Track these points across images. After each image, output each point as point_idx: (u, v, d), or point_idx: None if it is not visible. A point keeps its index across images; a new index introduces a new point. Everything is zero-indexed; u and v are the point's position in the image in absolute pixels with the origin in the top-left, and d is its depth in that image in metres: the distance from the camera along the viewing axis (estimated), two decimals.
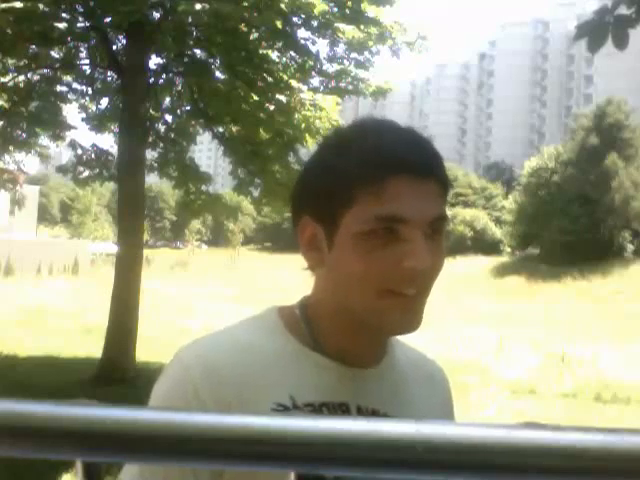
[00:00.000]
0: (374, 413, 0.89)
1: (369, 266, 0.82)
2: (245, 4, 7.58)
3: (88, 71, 10.10)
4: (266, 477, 0.69)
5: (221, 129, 10.36)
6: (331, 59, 9.17)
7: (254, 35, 8.55)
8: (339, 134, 0.92)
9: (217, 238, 79.16)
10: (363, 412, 0.89)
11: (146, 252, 13.34)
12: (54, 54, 9.75)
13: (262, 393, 0.83)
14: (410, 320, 0.84)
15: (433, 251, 0.83)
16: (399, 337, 1.00)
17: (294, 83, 8.78)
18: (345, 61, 9.18)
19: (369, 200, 0.81)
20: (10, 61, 9.37)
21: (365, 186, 0.82)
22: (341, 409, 0.87)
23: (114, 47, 9.19)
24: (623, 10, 3.65)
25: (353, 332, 0.89)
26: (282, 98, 8.73)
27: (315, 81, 9.50)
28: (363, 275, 0.82)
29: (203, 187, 10.76)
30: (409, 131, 0.88)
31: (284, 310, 0.95)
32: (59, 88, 10.40)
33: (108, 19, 8.32)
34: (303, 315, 0.92)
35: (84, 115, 10.65)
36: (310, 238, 0.89)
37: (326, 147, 0.91)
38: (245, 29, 8.26)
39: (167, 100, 10.57)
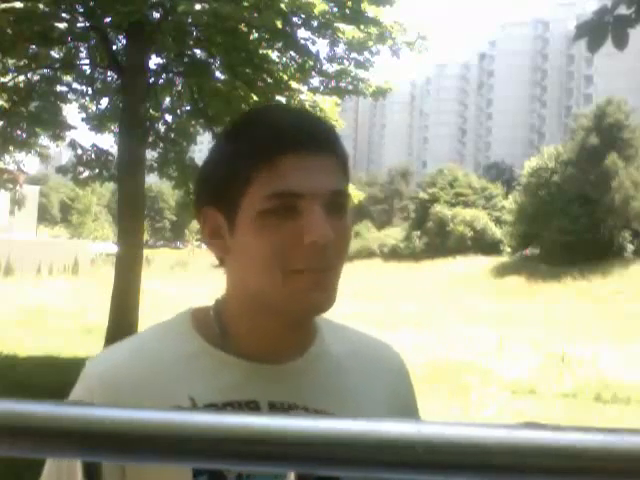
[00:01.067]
0: (291, 408, 0.87)
1: (272, 246, 0.81)
2: (245, 4, 7.58)
3: (88, 71, 10.11)
4: (170, 473, 0.68)
5: (221, 129, 10.36)
6: (331, 59, 9.17)
7: (254, 35, 8.56)
8: (231, 124, 0.92)
9: None
10: (277, 408, 0.86)
11: (146, 252, 13.35)
12: (54, 54, 9.75)
13: (161, 398, 0.82)
14: (320, 298, 0.82)
15: (335, 226, 0.82)
16: (345, 324, 1.01)
17: (294, 84, 8.78)
18: (345, 61, 9.18)
19: (264, 180, 0.81)
20: (10, 61, 9.38)
21: (258, 166, 0.81)
22: (249, 407, 0.85)
23: (114, 47, 9.19)
24: (623, 10, 3.65)
25: (265, 325, 0.87)
26: (282, 99, 8.73)
27: (315, 81, 9.51)
28: (267, 256, 0.81)
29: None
30: (299, 111, 0.90)
31: (199, 311, 0.92)
32: (59, 88, 10.41)
33: (108, 19, 8.32)
34: (216, 314, 0.90)
35: (84, 115, 10.65)
36: (213, 228, 0.87)
37: (219, 138, 0.93)
38: (245, 29, 8.26)
39: (167, 100, 10.58)
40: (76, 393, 0.86)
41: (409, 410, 1.00)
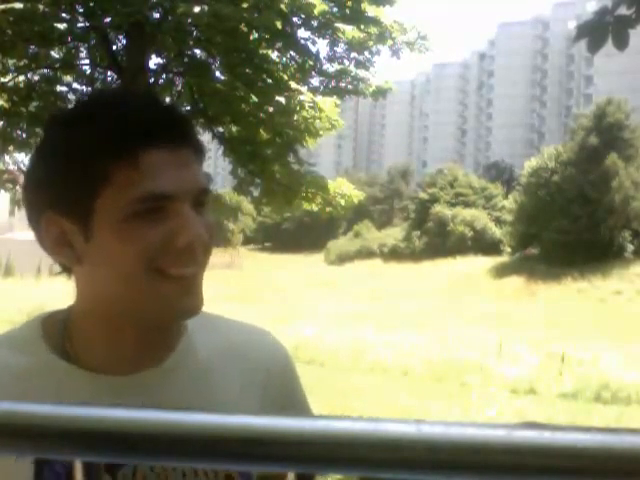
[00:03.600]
0: None
1: (140, 252, 0.73)
2: (245, 5, 7.58)
3: (88, 71, 10.11)
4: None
5: (221, 129, 10.36)
6: (331, 59, 9.17)
7: (254, 35, 8.55)
8: (68, 111, 0.80)
9: (217, 238, 79.03)
10: None
11: None
12: (54, 54, 9.75)
13: None
14: (193, 302, 0.77)
15: (206, 226, 0.77)
16: (221, 315, 0.95)
17: (294, 84, 8.78)
18: (345, 61, 9.18)
19: (124, 179, 0.72)
20: (10, 61, 9.38)
21: (116, 163, 0.71)
22: None
23: (114, 47, 9.19)
24: (623, 10, 3.65)
25: (119, 334, 0.80)
26: (282, 100, 8.73)
27: (315, 81, 9.51)
28: (134, 262, 0.73)
29: None
30: (149, 96, 0.80)
31: (50, 318, 0.84)
32: (59, 88, 10.40)
33: (108, 19, 8.32)
34: (64, 322, 0.82)
35: None
36: (58, 236, 0.76)
37: (55, 128, 0.78)
38: (245, 29, 8.26)
39: (167, 100, 10.58)
40: None
41: (289, 403, 0.93)
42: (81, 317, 0.81)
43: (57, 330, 0.82)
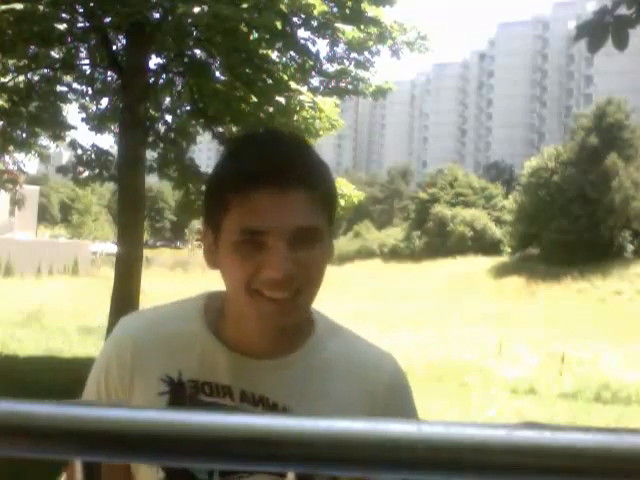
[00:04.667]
0: (261, 400, 0.97)
1: (241, 274, 0.90)
2: (245, 5, 7.58)
3: (88, 71, 10.10)
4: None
5: (221, 129, 10.36)
6: (331, 59, 9.17)
7: (254, 35, 8.55)
8: (229, 146, 1.04)
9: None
10: (247, 397, 0.97)
11: (146, 252, 13.34)
12: (54, 54, 9.75)
13: (157, 364, 0.98)
14: (281, 320, 0.92)
15: (301, 258, 0.90)
16: (352, 331, 1.09)
17: (294, 84, 8.77)
18: (345, 61, 9.18)
19: (236, 212, 0.90)
20: (10, 61, 9.37)
21: (234, 199, 0.90)
22: (223, 391, 0.97)
23: (114, 47, 9.19)
24: (623, 10, 3.65)
25: (243, 325, 0.97)
26: (282, 100, 8.73)
27: (315, 81, 9.51)
28: (237, 280, 0.91)
29: (203, 187, 10.75)
30: (281, 143, 0.96)
31: (213, 296, 1.05)
32: (59, 88, 10.40)
33: (108, 19, 8.32)
34: (222, 303, 1.01)
35: (84, 115, 10.65)
36: (207, 243, 0.98)
37: (220, 158, 1.01)
38: (245, 29, 8.26)
39: (167, 100, 10.57)
40: (110, 342, 1.05)
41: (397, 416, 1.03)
42: (227, 304, 1.01)
43: (215, 308, 1.02)
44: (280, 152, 0.93)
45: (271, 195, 0.89)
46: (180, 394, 0.98)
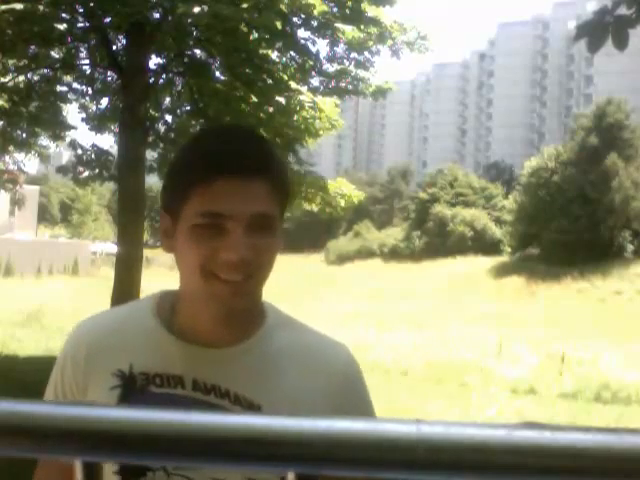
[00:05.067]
0: (213, 388, 0.99)
1: (198, 256, 0.94)
2: (245, 5, 7.57)
3: (88, 71, 10.10)
4: None
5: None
6: (331, 59, 9.16)
7: (254, 35, 8.54)
8: (190, 139, 1.06)
9: None
10: (199, 386, 0.98)
11: (146, 252, 13.34)
12: (54, 54, 9.74)
13: (110, 360, 1.02)
14: (236, 303, 0.95)
15: (257, 244, 0.94)
16: (304, 323, 1.10)
17: (294, 84, 8.77)
18: (345, 61, 9.17)
19: (198, 198, 0.94)
20: (10, 61, 9.36)
21: (195, 186, 0.94)
22: (174, 381, 0.99)
23: (114, 47, 9.18)
24: (623, 10, 3.64)
25: (198, 314, 1.00)
26: (282, 100, 8.72)
27: (315, 81, 9.50)
28: (194, 264, 0.94)
29: None
30: (243, 135, 1.01)
31: (166, 294, 1.08)
32: (59, 88, 10.39)
33: (108, 19, 8.31)
34: (173, 298, 1.05)
35: (84, 115, 10.64)
36: (164, 229, 1.02)
37: (179, 149, 1.07)
38: (245, 29, 8.25)
39: (167, 100, 10.56)
40: (66, 344, 1.09)
41: (347, 413, 1.01)
42: (180, 295, 1.03)
43: (167, 305, 1.05)
44: (241, 142, 0.98)
45: (232, 182, 0.93)
46: (131, 387, 1.00)
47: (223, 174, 0.93)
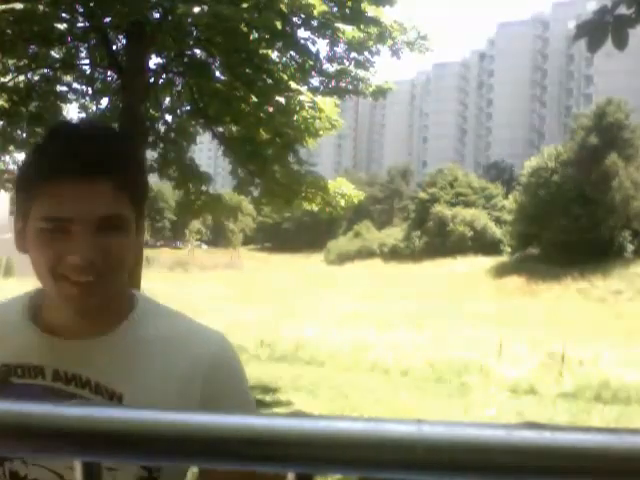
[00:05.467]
0: (74, 378, 1.00)
1: (45, 259, 0.94)
2: (245, 5, 7.57)
3: (88, 71, 10.10)
4: None
5: (221, 129, 10.36)
6: (331, 59, 9.16)
7: (254, 35, 8.54)
8: (40, 139, 1.03)
9: (217, 238, 79.18)
10: (60, 376, 0.99)
11: (146, 252, 13.34)
12: (54, 54, 9.74)
13: None
14: (86, 302, 0.96)
15: (105, 244, 0.94)
16: (179, 312, 1.11)
17: (294, 84, 8.77)
18: (345, 61, 9.17)
19: (42, 201, 0.94)
20: (10, 61, 9.36)
21: (39, 188, 0.94)
22: (35, 371, 1.00)
23: (114, 47, 9.18)
24: (623, 10, 3.64)
25: (56, 308, 1.01)
26: (282, 100, 8.72)
27: (315, 81, 9.50)
28: (42, 265, 0.95)
29: (203, 187, 10.76)
30: (87, 133, 0.98)
31: (39, 289, 1.07)
32: (59, 88, 10.39)
33: (108, 19, 8.31)
34: (40, 293, 1.06)
35: (84, 115, 10.64)
36: (17, 229, 1.01)
37: (31, 148, 1.04)
38: (245, 29, 8.25)
39: (167, 100, 10.57)
40: None
41: (229, 401, 1.03)
42: (41, 290, 1.04)
43: (37, 300, 1.06)
44: (86, 142, 0.95)
45: (75, 184, 0.92)
46: None
47: (64, 176, 0.92)
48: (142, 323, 1.05)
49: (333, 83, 9.39)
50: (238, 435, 0.35)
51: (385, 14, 8.43)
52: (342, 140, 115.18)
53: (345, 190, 9.89)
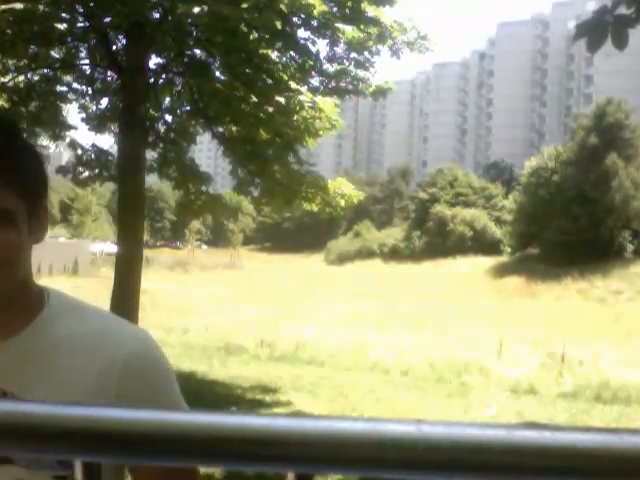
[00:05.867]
0: None
1: None
2: (245, 5, 7.58)
3: (88, 71, 10.10)
4: None
5: (221, 129, 10.36)
6: (331, 59, 9.16)
7: (254, 35, 8.55)
8: None
9: (217, 238, 79.21)
10: None
11: (146, 252, 13.34)
12: (54, 54, 9.74)
13: None
14: None
15: None
16: (98, 308, 1.08)
17: (294, 84, 8.77)
18: (345, 61, 9.17)
19: None
20: (10, 61, 9.37)
21: None
22: None
23: (114, 47, 9.18)
24: (623, 10, 3.64)
25: None
26: (282, 100, 8.72)
27: (315, 81, 9.50)
28: None
29: (203, 187, 10.76)
30: None
31: None
32: (59, 88, 10.39)
33: (108, 19, 8.32)
34: None
35: (84, 115, 10.65)
36: None
37: None
38: (245, 29, 8.25)
39: (167, 100, 10.57)
40: None
41: (152, 396, 1.00)
42: None
43: None
44: None
45: None
46: None
47: None
48: (54, 322, 1.00)
49: (333, 83, 9.39)
50: (238, 435, 0.35)
51: (385, 14, 8.43)
52: (342, 140, 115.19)
53: (345, 190, 9.89)
